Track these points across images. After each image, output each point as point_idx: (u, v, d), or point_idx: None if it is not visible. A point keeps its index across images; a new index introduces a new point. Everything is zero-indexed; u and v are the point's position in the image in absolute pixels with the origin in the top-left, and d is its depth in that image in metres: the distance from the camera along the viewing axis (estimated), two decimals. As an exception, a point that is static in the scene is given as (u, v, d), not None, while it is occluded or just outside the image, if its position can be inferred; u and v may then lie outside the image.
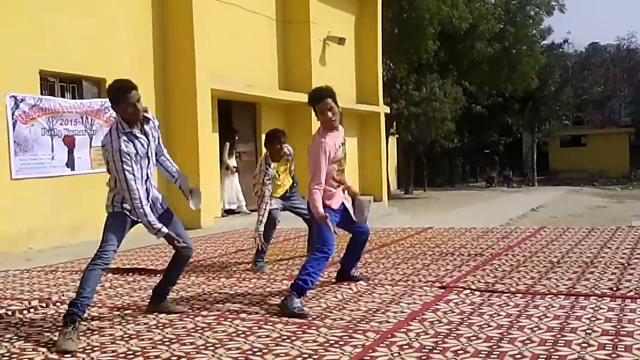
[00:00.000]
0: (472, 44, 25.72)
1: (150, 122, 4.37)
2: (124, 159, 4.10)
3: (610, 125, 52.80)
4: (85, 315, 4.26)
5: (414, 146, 28.01)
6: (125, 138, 4.15)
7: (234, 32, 12.89)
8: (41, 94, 9.32)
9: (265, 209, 6.33)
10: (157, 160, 4.53)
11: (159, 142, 4.49)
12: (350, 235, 5.47)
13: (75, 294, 4.18)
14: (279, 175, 6.53)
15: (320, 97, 4.93)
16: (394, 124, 25.04)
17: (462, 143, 35.81)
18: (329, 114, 4.89)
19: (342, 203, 5.10)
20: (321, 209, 4.73)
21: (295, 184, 6.80)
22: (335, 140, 4.93)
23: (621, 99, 52.99)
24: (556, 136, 43.99)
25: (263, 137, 13.74)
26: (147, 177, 4.31)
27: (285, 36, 14.67)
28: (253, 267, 6.45)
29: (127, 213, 4.27)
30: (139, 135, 4.24)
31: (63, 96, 9.76)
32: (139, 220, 4.23)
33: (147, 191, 4.29)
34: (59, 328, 4.09)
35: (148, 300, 4.85)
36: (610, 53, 52.66)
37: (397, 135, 27.29)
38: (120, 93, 4.14)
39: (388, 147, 23.05)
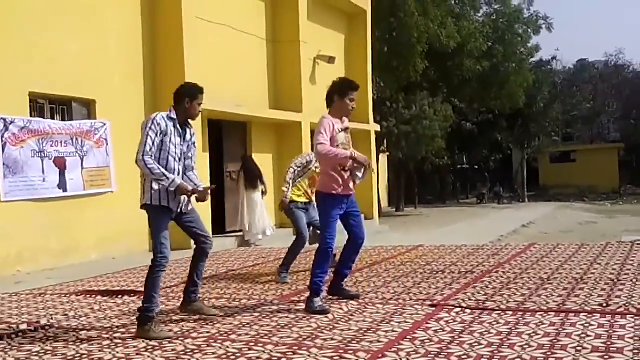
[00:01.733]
0: (461, 61, 25.91)
1: (192, 130, 4.94)
2: (154, 126, 4.63)
3: (600, 140, 53.16)
4: (75, 338, 4.28)
5: (405, 164, 28.08)
6: (163, 117, 4.72)
7: (224, 52, 12.94)
8: (31, 115, 9.31)
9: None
10: (184, 172, 4.96)
11: (191, 157, 4.99)
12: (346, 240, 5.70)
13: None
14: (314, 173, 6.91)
15: (356, 87, 5.50)
16: (385, 141, 25.13)
17: (452, 160, 35.98)
18: (353, 104, 5.42)
19: (348, 196, 5.41)
20: (343, 151, 5.16)
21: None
22: (335, 123, 5.30)
23: (610, 114, 53.37)
24: (546, 152, 44.21)
25: (254, 157, 13.94)
26: (178, 173, 4.79)
27: (275, 56, 14.74)
28: (277, 277, 6.79)
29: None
30: (179, 129, 4.80)
31: (53, 118, 9.76)
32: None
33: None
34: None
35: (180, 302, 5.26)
36: (598, 69, 53.13)
37: (387, 153, 27.37)
38: (197, 91, 4.88)
39: (379, 165, 23.12)
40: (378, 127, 19.81)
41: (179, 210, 4.86)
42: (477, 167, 44.33)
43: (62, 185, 9.60)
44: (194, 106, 4.87)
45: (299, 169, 6.97)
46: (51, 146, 9.47)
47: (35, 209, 9.22)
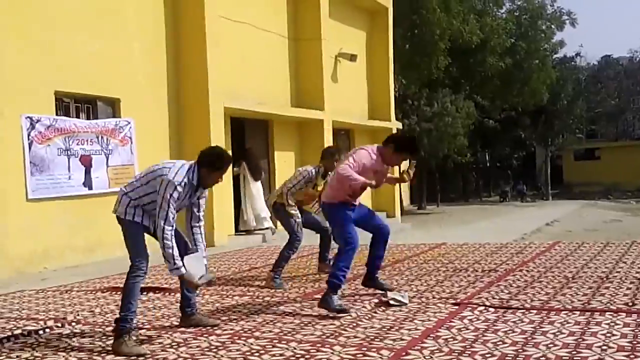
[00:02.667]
0: (483, 58, 25.73)
1: (205, 192, 4.69)
2: (174, 195, 4.31)
3: (625, 138, 52.46)
4: (101, 334, 4.31)
5: (427, 161, 27.96)
6: (187, 185, 4.40)
7: (246, 50, 12.99)
8: (56, 114, 9.42)
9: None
10: (190, 221, 4.71)
11: (200, 207, 4.71)
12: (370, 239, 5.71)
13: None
14: (314, 187, 6.74)
15: (415, 154, 5.55)
16: (407, 139, 25.05)
17: (475, 158, 35.73)
18: (401, 162, 5.56)
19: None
20: (362, 179, 5.13)
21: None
22: (376, 162, 5.32)
23: (635, 111, 52.68)
24: (570, 149, 43.81)
25: (276, 154, 13.97)
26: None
27: (297, 53, 14.76)
28: (270, 283, 6.44)
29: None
30: (193, 193, 4.53)
31: (78, 116, 9.87)
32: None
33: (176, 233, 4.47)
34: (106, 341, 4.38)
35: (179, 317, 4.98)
36: (623, 65, 52.41)
37: (409, 151, 27.26)
38: (225, 164, 4.54)
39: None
40: (400, 125, 19.74)
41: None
42: (499, 164, 43.99)
43: (88, 183, 9.71)
44: (214, 175, 4.54)
45: (300, 183, 6.69)
46: (77, 144, 9.58)
47: (61, 207, 9.33)
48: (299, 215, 6.65)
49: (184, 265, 4.35)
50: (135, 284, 4.39)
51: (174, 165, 4.47)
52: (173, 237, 4.32)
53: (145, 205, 4.46)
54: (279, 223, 7.22)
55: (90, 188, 9.74)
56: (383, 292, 5.60)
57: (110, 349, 4.27)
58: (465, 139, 25.15)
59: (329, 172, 6.64)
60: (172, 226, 4.33)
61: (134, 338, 4.34)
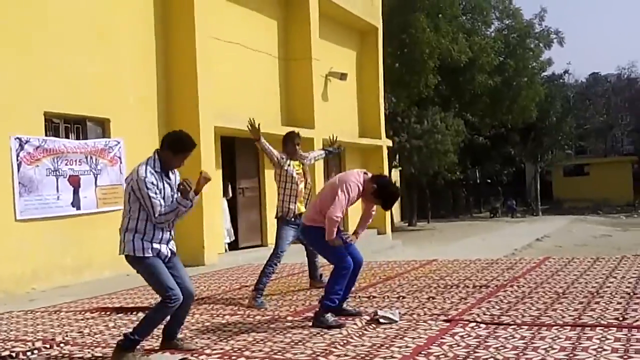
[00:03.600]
0: (472, 76, 25.93)
1: (176, 174, 4.68)
2: (149, 186, 4.35)
3: (613, 154, 52.86)
4: (90, 355, 4.28)
5: (417, 178, 28.04)
6: (154, 173, 4.43)
7: (237, 70, 13.04)
8: (46, 134, 9.40)
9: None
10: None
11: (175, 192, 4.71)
12: None
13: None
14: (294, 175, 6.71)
15: (396, 198, 5.60)
16: (397, 156, 25.14)
17: (465, 174, 35.87)
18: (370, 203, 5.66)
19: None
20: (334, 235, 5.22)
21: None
22: (360, 190, 5.39)
23: (623, 127, 53.17)
24: (559, 165, 44.02)
25: (266, 172, 13.97)
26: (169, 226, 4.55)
27: (287, 73, 14.82)
28: (252, 302, 6.37)
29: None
30: (165, 180, 4.51)
31: (67, 137, 9.85)
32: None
33: (162, 230, 4.48)
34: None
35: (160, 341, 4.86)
36: (611, 82, 53.00)
37: (400, 168, 27.36)
38: (187, 148, 4.55)
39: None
40: (390, 142, 19.82)
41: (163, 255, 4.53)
42: (489, 181, 44.18)
43: (76, 203, 9.67)
44: (177, 158, 4.55)
45: (285, 180, 6.72)
46: (66, 165, 9.55)
47: (49, 227, 9.28)
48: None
49: (190, 199, 4.43)
50: (163, 309, 4.43)
51: (133, 169, 4.52)
52: (165, 211, 4.39)
53: (144, 221, 4.43)
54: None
55: (79, 208, 9.71)
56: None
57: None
58: (455, 156, 25.27)
59: (296, 156, 6.86)
60: (162, 207, 4.38)
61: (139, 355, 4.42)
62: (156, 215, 4.36)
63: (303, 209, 6.69)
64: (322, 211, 5.33)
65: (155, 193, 4.38)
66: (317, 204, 5.49)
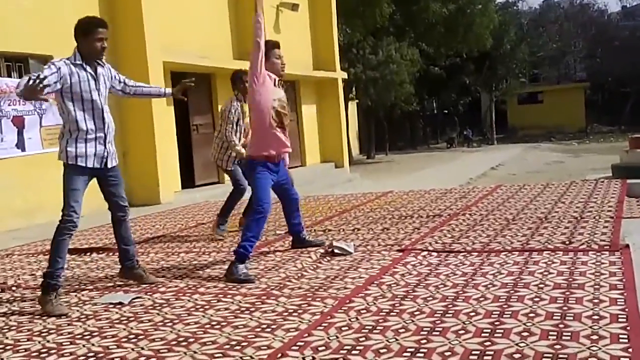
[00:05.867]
0: (426, 5, 25.73)
1: (105, 67, 4.53)
2: (61, 75, 4.18)
3: (566, 80, 53.59)
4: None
5: (374, 110, 28.06)
6: (72, 66, 4.27)
7: (184, 3, 12.62)
8: (-14, 74, 9.03)
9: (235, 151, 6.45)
10: (128, 92, 4.77)
11: (120, 80, 4.67)
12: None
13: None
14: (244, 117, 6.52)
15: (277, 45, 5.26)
16: (353, 89, 25.03)
17: (422, 105, 36.03)
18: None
19: (281, 160, 5.19)
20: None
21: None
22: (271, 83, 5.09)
23: (576, 54, 53.72)
24: (514, 94, 44.54)
25: (219, 108, 13.75)
26: (97, 119, 4.37)
27: (237, 5, 14.42)
28: (215, 230, 6.62)
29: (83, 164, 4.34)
30: (89, 70, 4.35)
31: (9, 76, 9.47)
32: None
33: (96, 127, 4.35)
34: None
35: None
36: (564, 9, 53.16)
37: (356, 101, 27.30)
38: (92, 26, 4.36)
39: (348, 113, 23.05)
40: (345, 75, 19.67)
41: (101, 166, 4.42)
42: (446, 111, 44.53)
43: (20, 144, 9.39)
44: (90, 41, 4.34)
45: (235, 122, 6.57)
46: (9, 105, 9.22)
47: (-4, 170, 9.03)
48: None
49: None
50: (64, 239, 4.36)
51: None
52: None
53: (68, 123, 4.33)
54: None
55: (24, 149, 9.44)
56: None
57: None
58: (411, 87, 25.30)
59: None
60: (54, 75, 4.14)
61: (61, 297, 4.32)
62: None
63: None
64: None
65: (51, 74, 4.10)
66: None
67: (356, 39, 23.71)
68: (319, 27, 18.06)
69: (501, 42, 34.80)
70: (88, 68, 4.36)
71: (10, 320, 4.07)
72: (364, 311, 3.65)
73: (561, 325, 3.13)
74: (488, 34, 29.26)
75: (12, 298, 4.72)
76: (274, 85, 5.10)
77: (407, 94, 25.47)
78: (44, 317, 4.09)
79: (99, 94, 4.39)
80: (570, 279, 3.96)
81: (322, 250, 5.46)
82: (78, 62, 4.33)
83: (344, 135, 19.04)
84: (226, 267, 5.01)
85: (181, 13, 12.50)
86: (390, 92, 24.41)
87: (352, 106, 27.64)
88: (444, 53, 30.69)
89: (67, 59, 4.33)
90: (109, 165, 4.49)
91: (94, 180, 4.53)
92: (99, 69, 4.45)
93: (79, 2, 10.46)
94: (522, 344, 2.92)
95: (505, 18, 34.28)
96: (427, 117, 43.49)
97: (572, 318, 3.23)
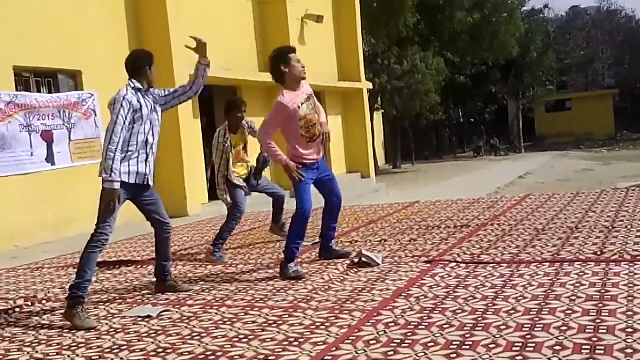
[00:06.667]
0: (451, 14, 25.65)
1: (155, 92, 4.74)
2: (124, 104, 4.35)
3: (594, 87, 52.96)
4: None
5: (400, 120, 27.99)
6: (133, 92, 4.48)
7: (210, 16, 12.74)
8: (16, 90, 9.19)
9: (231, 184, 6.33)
10: (172, 101, 4.87)
11: (164, 95, 4.80)
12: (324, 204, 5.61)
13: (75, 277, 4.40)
14: (233, 149, 6.30)
15: (293, 50, 5.43)
16: (379, 99, 25.00)
17: (447, 114, 35.85)
18: (301, 65, 5.28)
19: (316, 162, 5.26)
20: (283, 156, 5.05)
21: (267, 161, 6.44)
22: (292, 99, 5.17)
23: (604, 61, 53.11)
24: (541, 102, 44.14)
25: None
26: (147, 142, 4.53)
27: (262, 17, 14.53)
28: (209, 257, 6.19)
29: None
30: (146, 95, 4.59)
31: (39, 91, 9.64)
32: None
33: (147, 155, 4.51)
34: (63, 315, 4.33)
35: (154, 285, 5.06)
36: (591, 16, 52.65)
37: (382, 111, 27.26)
38: (145, 59, 4.66)
39: (374, 123, 23.04)
40: (370, 85, 19.66)
41: (139, 182, 4.50)
42: (472, 120, 44.25)
43: (50, 158, 9.53)
44: (150, 73, 4.65)
45: (221, 153, 6.26)
46: (38, 120, 9.37)
47: (25, 184, 9.17)
48: (244, 184, 6.40)
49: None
50: (94, 253, 4.41)
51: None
52: (119, 150, 4.28)
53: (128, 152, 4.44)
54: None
55: (53, 164, 9.58)
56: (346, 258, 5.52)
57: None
58: (437, 96, 25.19)
59: (240, 126, 6.29)
60: (122, 128, 4.32)
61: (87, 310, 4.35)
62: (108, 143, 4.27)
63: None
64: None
65: (128, 109, 4.36)
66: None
67: (381, 49, 23.71)
68: (344, 38, 18.09)
69: (528, 50, 34.54)
70: (145, 93, 4.61)
71: (40, 334, 4.11)
72: (392, 324, 3.61)
73: (594, 339, 3.06)
74: (514, 42, 29.06)
75: (42, 311, 4.76)
76: (301, 103, 5.15)
77: (432, 103, 25.36)
78: (73, 331, 4.12)
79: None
80: (603, 291, 3.88)
81: (348, 262, 5.43)
82: (139, 85, 4.59)
83: (370, 145, 19.01)
84: (254, 279, 5.03)
85: (206, 25, 12.60)
86: (415, 102, 24.33)
87: (378, 116, 27.59)
88: (470, 62, 30.54)
89: (126, 86, 4.53)
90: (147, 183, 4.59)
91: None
92: (150, 95, 4.68)
93: (107, 18, 10.63)
94: (554, 358, 2.86)
95: (531, 26, 34.04)
96: (453, 126, 43.22)
97: (605, 331, 3.16)
